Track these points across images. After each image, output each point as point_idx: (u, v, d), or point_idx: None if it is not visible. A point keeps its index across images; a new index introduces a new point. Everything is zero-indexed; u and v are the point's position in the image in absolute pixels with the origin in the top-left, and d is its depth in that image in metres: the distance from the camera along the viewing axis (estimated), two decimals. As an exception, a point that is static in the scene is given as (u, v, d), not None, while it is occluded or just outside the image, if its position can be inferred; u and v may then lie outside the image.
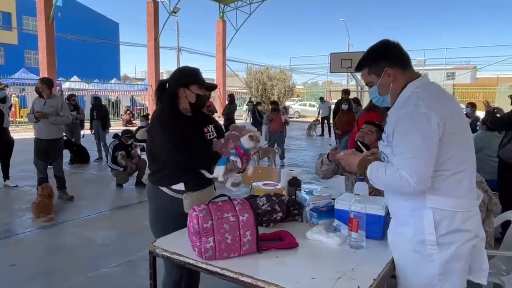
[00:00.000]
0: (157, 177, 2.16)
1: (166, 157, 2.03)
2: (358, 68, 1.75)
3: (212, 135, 2.23)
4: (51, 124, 5.19)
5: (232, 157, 1.96)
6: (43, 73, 14.47)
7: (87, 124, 9.73)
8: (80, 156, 8.44)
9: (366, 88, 1.81)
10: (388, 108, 1.74)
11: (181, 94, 2.13)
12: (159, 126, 2.06)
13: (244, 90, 27.57)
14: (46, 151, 5.26)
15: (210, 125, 2.26)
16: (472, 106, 8.23)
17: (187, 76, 2.17)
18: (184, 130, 2.08)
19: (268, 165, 7.89)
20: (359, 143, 2.80)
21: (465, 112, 7.39)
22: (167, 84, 2.19)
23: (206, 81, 2.20)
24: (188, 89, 2.12)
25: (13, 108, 14.30)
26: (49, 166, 5.43)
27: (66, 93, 9.61)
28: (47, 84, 5.25)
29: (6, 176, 6.22)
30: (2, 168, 6.16)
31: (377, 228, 1.88)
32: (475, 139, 4.06)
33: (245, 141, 1.94)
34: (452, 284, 1.57)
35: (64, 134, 5.90)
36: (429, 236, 1.54)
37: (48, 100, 5.22)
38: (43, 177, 5.27)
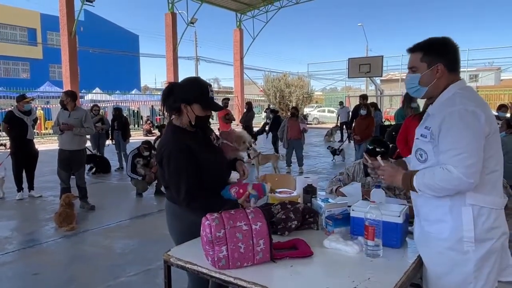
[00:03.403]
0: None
1: (183, 205, 1.98)
2: (413, 49, 1.71)
3: (216, 142, 2.18)
4: (74, 136, 5.33)
5: (252, 199, 1.98)
6: (67, 86, 14.91)
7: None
8: (102, 166, 8.63)
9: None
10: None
11: (183, 109, 1.97)
12: (172, 167, 1.94)
13: (262, 98, 27.64)
14: (68, 162, 5.40)
15: (212, 133, 2.19)
16: (505, 108, 7.98)
17: (192, 93, 1.95)
18: (197, 155, 1.95)
19: (285, 172, 7.84)
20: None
21: (496, 115, 7.17)
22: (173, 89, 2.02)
23: (214, 101, 2.00)
24: (190, 106, 1.96)
25: (38, 121, 14.75)
26: (72, 176, 5.57)
27: (89, 105, 9.88)
28: (71, 96, 5.42)
29: (31, 187, 6.41)
30: (27, 179, 6.35)
31: (394, 236, 1.83)
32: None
33: (269, 189, 2.10)
34: (486, 280, 1.59)
35: (87, 147, 6.01)
36: (467, 233, 1.57)
37: (72, 112, 5.37)
38: (65, 187, 5.41)
